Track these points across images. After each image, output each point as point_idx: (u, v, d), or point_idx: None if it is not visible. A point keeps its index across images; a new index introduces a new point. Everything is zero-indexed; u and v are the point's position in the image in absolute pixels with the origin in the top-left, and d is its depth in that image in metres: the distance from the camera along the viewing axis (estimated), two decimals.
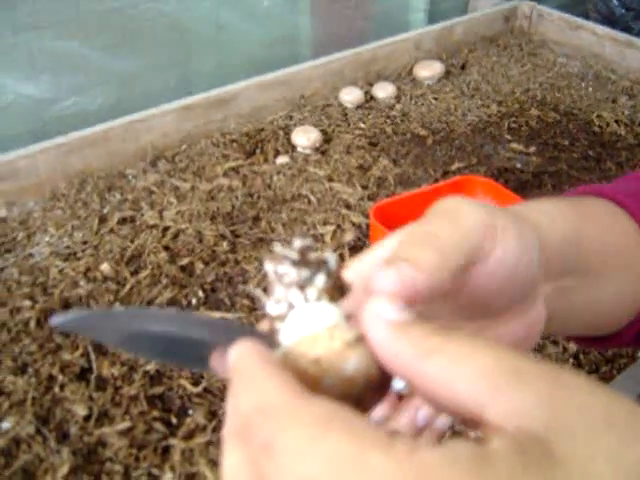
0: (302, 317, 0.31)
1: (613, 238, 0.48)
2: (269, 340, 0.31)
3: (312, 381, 0.28)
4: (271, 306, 0.31)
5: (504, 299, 0.38)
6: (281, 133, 1.26)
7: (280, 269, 0.31)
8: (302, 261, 0.31)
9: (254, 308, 0.91)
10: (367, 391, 0.29)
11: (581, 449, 0.23)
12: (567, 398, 0.24)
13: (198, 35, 1.34)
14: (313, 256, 0.31)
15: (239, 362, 0.29)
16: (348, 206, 1.09)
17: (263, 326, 0.34)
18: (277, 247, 0.32)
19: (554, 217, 0.42)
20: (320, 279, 0.31)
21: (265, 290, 0.32)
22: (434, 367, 0.27)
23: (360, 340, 0.29)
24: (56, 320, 0.29)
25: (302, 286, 0.31)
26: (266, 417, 0.26)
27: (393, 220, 0.96)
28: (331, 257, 0.32)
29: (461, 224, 0.35)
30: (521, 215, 0.40)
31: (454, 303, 0.33)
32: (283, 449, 0.25)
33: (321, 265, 0.31)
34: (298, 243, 0.31)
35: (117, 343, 0.30)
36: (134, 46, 1.27)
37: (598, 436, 0.23)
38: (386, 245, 0.37)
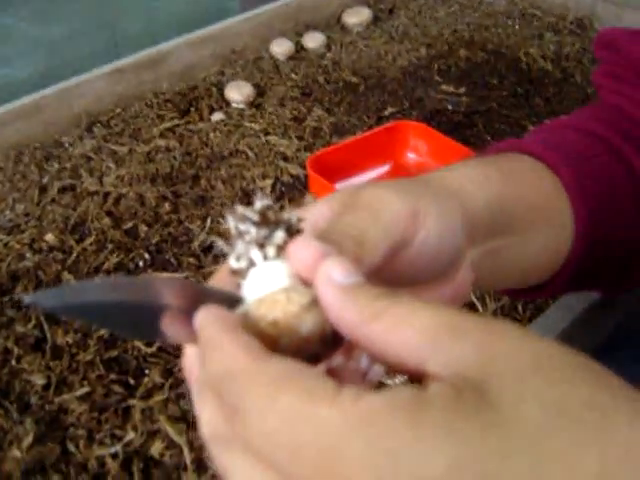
0: (262, 276, 0.33)
1: (535, 195, 0.50)
2: (224, 296, 0.33)
3: (271, 341, 0.31)
4: (232, 261, 0.34)
5: (430, 272, 0.41)
6: (214, 90, 1.26)
7: (241, 226, 0.33)
8: (262, 220, 0.33)
9: (200, 266, 0.93)
10: (322, 347, 0.32)
11: (512, 391, 0.25)
12: (498, 346, 0.27)
13: None
14: (273, 215, 0.33)
15: (205, 329, 0.31)
16: (285, 158, 1.11)
17: (216, 281, 0.37)
18: (239, 207, 0.34)
19: (478, 182, 0.45)
20: (279, 237, 0.33)
21: (228, 243, 0.34)
22: (379, 330, 0.29)
23: (315, 302, 0.32)
24: (27, 299, 0.30)
25: (262, 244, 0.33)
26: (231, 381, 0.28)
27: (330, 169, 0.98)
28: (293, 216, 0.34)
29: (381, 219, 0.38)
30: (445, 185, 0.43)
31: (379, 279, 0.36)
32: (247, 409, 0.27)
33: (280, 224, 0.33)
34: (259, 204, 0.33)
35: (78, 316, 0.32)
36: (60, 12, 1.26)
37: (527, 378, 0.26)
38: (318, 212, 0.39)
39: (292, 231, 0.34)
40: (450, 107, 1.25)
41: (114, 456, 0.72)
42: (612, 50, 0.65)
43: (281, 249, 0.34)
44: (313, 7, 1.46)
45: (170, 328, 0.33)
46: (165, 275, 0.91)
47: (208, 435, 0.31)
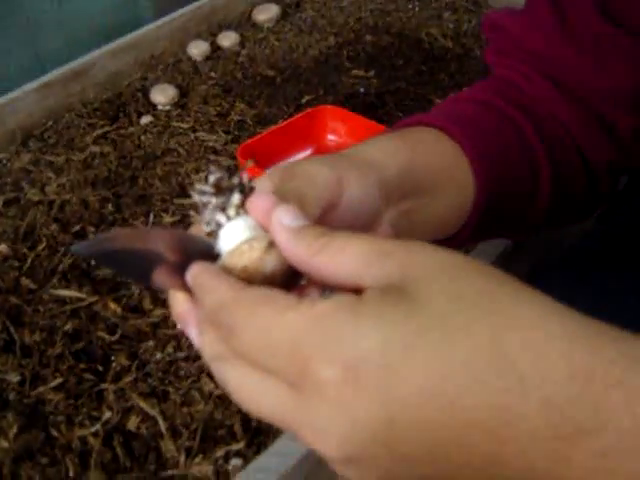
0: (229, 233, 0.41)
1: (439, 160, 0.59)
2: (207, 247, 0.42)
3: (245, 281, 0.39)
4: (204, 226, 0.42)
5: (356, 228, 0.50)
6: (139, 95, 1.33)
7: (203, 199, 0.42)
8: (218, 190, 0.42)
9: None
10: (286, 280, 0.41)
11: (424, 288, 0.35)
12: (415, 259, 0.36)
13: (41, 13, 1.38)
14: (226, 183, 0.42)
15: (197, 278, 0.40)
16: (215, 152, 1.19)
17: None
18: (197, 184, 0.42)
19: (390, 153, 0.54)
20: (236, 198, 0.41)
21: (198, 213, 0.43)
22: (323, 260, 0.38)
23: (272, 245, 0.40)
24: (72, 248, 0.41)
25: (223, 208, 0.42)
26: (223, 309, 0.38)
27: (258, 157, 1.06)
28: (244, 177, 0.42)
29: (316, 184, 0.47)
30: (362, 158, 0.52)
31: None
32: (237, 327, 0.37)
33: (234, 188, 0.42)
34: (212, 177, 0.42)
35: (103, 262, 0.41)
36: None
37: (435, 278, 0.35)
38: (262, 184, 0.48)
39: (246, 191, 0.42)
40: (362, 90, 1.35)
41: (95, 435, 0.80)
42: (497, 31, 0.75)
43: (241, 207, 0.42)
44: (224, 7, 1.54)
45: (162, 278, 0.41)
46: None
47: (209, 357, 0.39)
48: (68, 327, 0.91)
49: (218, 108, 1.29)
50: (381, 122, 1.18)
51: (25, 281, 0.98)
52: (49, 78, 1.28)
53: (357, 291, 0.37)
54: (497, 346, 0.33)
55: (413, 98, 1.33)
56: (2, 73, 1.33)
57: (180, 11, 1.47)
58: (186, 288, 0.42)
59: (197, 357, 0.86)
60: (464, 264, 0.36)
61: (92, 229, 1.05)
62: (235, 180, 0.42)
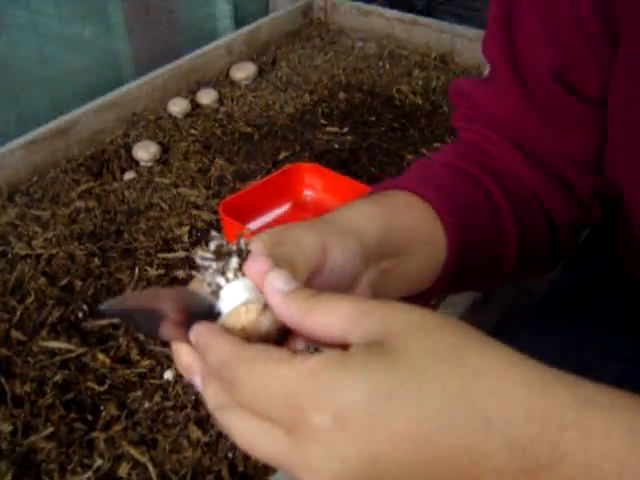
0: (228, 295, 0.46)
1: (414, 223, 0.65)
2: (208, 306, 0.47)
3: (244, 339, 0.44)
4: (206, 287, 0.47)
5: (338, 289, 0.55)
6: (122, 151, 1.38)
7: (205, 263, 0.46)
8: (218, 255, 0.46)
9: None
10: (279, 336, 0.46)
11: (402, 344, 0.40)
12: (393, 318, 0.41)
13: (26, 73, 1.44)
14: (225, 249, 0.46)
15: (201, 337, 0.45)
16: (197, 207, 1.24)
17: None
18: (199, 250, 0.47)
19: (369, 218, 0.59)
20: (234, 262, 0.46)
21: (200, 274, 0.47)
22: (312, 320, 0.43)
23: (266, 306, 0.45)
24: (101, 307, 0.45)
25: (222, 272, 0.46)
26: (225, 365, 0.42)
27: (240, 212, 1.11)
28: (241, 243, 0.47)
29: (303, 252, 0.51)
30: (344, 223, 0.57)
31: None
32: (240, 381, 0.41)
33: (232, 253, 0.46)
34: (212, 244, 0.47)
35: (122, 319, 0.46)
36: None
37: (412, 335, 0.40)
38: (255, 246, 0.53)
39: (243, 255, 0.47)
40: (336, 146, 1.41)
41: None
42: (464, 97, 0.80)
43: (239, 270, 0.47)
44: (203, 66, 1.60)
45: (167, 332, 0.46)
46: (104, 322, 1.02)
47: (213, 406, 0.44)
48: (58, 378, 0.95)
49: (199, 164, 1.34)
50: (355, 177, 1.24)
51: (15, 333, 1.01)
52: (34, 135, 1.33)
53: (344, 347, 0.42)
54: (466, 394, 0.38)
55: (385, 154, 1.39)
56: None
57: (160, 70, 1.53)
58: (189, 340, 0.46)
59: (184, 406, 0.90)
60: (436, 321, 0.42)
61: (79, 282, 1.09)
62: (233, 247, 0.47)
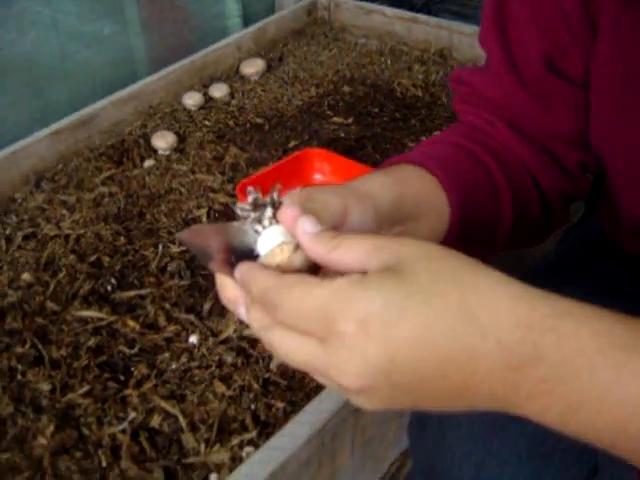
0: (265, 239, 0.54)
1: (422, 193, 0.73)
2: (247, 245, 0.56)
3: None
4: (245, 233, 0.56)
5: None
6: (141, 141, 1.47)
7: (244, 213, 0.55)
8: (255, 206, 0.55)
9: (160, 283, 1.12)
10: (310, 271, 0.54)
11: (412, 266, 0.48)
12: (404, 249, 0.50)
13: (48, 68, 1.52)
14: (260, 201, 0.55)
15: (245, 272, 0.54)
16: (213, 190, 1.32)
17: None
18: (239, 203, 0.56)
19: (384, 187, 0.68)
20: (268, 212, 0.55)
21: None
22: (337, 255, 0.51)
23: (298, 247, 0.54)
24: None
25: (259, 220, 0.55)
26: (269, 292, 0.51)
27: None
28: (274, 195, 0.56)
29: (328, 209, 0.59)
30: (362, 190, 0.66)
31: None
32: (279, 303, 0.50)
33: (267, 204, 0.55)
34: (250, 197, 0.55)
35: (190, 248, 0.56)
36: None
37: (420, 260, 0.49)
38: (292, 195, 0.61)
39: (276, 205, 0.56)
40: (342, 135, 1.49)
41: (123, 432, 0.91)
42: (463, 84, 0.89)
43: (273, 218, 0.55)
44: (214, 62, 1.69)
45: (216, 266, 0.55)
46: (132, 293, 1.10)
47: (257, 327, 0.53)
48: (91, 343, 1.03)
49: (213, 152, 1.43)
50: (361, 163, 1.32)
51: (49, 304, 1.10)
52: (59, 126, 1.41)
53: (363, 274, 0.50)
54: (463, 305, 0.47)
55: (388, 142, 1.47)
56: (15, 122, 1.46)
57: (175, 65, 1.62)
58: (232, 276, 0.55)
59: (209, 365, 0.99)
60: (439, 251, 0.50)
61: (107, 259, 1.17)
62: (268, 199, 0.56)
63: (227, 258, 0.56)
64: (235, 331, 1.03)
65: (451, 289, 0.47)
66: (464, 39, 1.78)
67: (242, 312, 0.56)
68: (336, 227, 0.60)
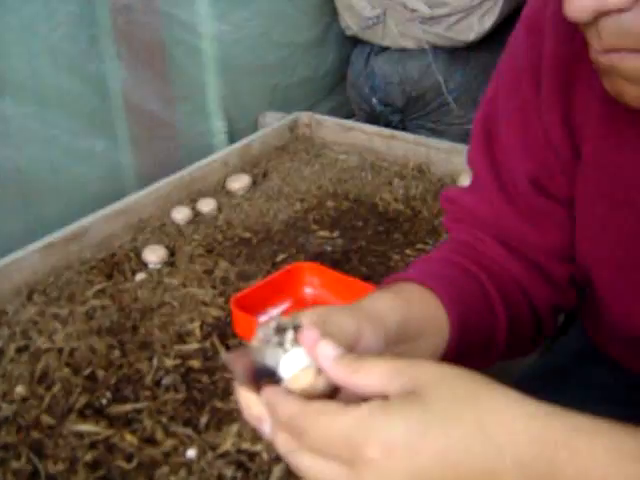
0: (287, 362, 0.58)
1: (425, 313, 0.77)
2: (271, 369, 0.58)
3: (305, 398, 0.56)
4: (267, 356, 0.58)
5: None
6: (132, 254, 1.49)
7: (266, 337, 0.59)
8: (278, 331, 0.58)
9: (155, 397, 1.13)
10: (330, 393, 0.57)
11: (430, 393, 0.52)
12: (422, 374, 0.54)
13: (41, 183, 1.56)
14: (283, 326, 0.58)
15: (270, 397, 0.57)
16: (205, 304, 1.35)
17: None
18: (261, 329, 0.59)
19: (391, 309, 0.72)
20: (290, 335, 0.58)
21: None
22: (358, 379, 0.55)
23: (319, 371, 0.57)
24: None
25: (281, 343, 0.58)
26: (295, 418, 0.54)
27: (251, 307, 1.22)
28: (295, 320, 0.59)
29: (342, 332, 0.63)
30: (373, 312, 0.69)
31: None
32: (307, 430, 0.53)
33: (287, 328, 0.58)
34: (273, 323, 0.59)
35: None
36: None
37: (437, 386, 0.52)
38: (309, 317, 0.64)
39: (297, 329, 0.59)
40: (329, 248, 1.53)
41: None
42: (453, 203, 0.94)
43: (294, 341, 0.58)
44: (201, 178, 1.74)
45: (241, 385, 0.59)
46: (127, 407, 1.11)
47: (284, 452, 0.56)
48: (88, 457, 1.03)
49: (204, 266, 1.46)
50: (348, 276, 1.36)
51: (45, 418, 1.10)
52: (51, 239, 1.44)
53: (383, 398, 0.54)
54: (480, 426, 0.50)
55: (373, 255, 1.51)
56: (7, 234, 1.48)
57: (163, 181, 1.66)
58: (257, 394, 0.58)
59: (207, 479, 0.99)
60: (455, 373, 0.54)
61: (102, 372, 1.18)
62: (289, 323, 0.60)
63: (252, 377, 0.59)
64: (233, 444, 1.03)
65: (468, 411, 0.51)
66: (441, 155, 1.85)
67: (266, 429, 0.59)
68: (350, 348, 0.63)
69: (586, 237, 0.84)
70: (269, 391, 0.57)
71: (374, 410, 0.51)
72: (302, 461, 0.54)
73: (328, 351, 0.57)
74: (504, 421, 0.50)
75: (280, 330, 0.59)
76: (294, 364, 0.57)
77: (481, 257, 0.87)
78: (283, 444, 0.56)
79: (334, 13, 2.30)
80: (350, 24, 2.28)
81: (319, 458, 0.53)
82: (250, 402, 0.60)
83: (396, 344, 0.71)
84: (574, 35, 0.73)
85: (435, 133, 2.20)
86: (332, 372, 0.56)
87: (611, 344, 0.95)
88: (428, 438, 0.50)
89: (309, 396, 0.56)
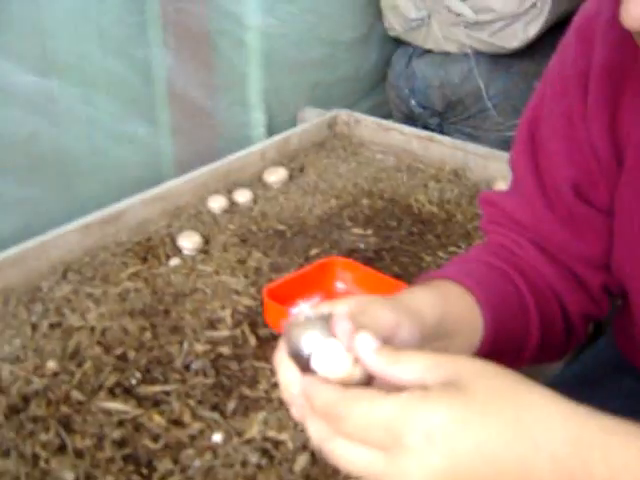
0: (322, 352, 0.58)
1: (461, 310, 0.78)
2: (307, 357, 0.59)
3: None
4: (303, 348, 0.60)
5: None
6: (167, 240, 1.51)
7: (302, 327, 0.60)
8: (314, 318, 0.59)
9: (184, 380, 1.14)
10: (366, 383, 0.58)
11: (470, 387, 0.52)
12: (461, 368, 0.54)
13: (81, 163, 1.58)
14: (317, 314, 0.60)
15: (308, 387, 0.57)
16: (237, 293, 1.36)
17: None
18: (294, 318, 0.60)
19: (430, 305, 0.73)
20: (324, 324, 0.59)
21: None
22: (396, 370, 0.56)
23: (356, 361, 0.58)
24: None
25: (316, 331, 0.59)
26: (332, 406, 0.55)
27: (282, 298, 1.23)
28: (326, 310, 0.60)
29: (378, 322, 0.64)
30: (411, 306, 0.70)
31: None
32: (346, 416, 0.54)
33: (323, 319, 0.59)
34: (308, 313, 0.60)
35: None
36: (32, 178, 1.49)
37: (475, 379, 0.53)
38: (348, 305, 0.65)
39: (330, 318, 0.60)
40: (362, 246, 1.54)
41: None
42: (491, 205, 0.94)
43: (328, 331, 0.59)
44: (239, 169, 1.75)
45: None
46: (157, 388, 1.12)
47: (318, 440, 0.57)
48: (115, 435, 1.04)
49: (237, 255, 1.47)
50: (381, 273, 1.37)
51: (75, 394, 1.11)
52: (88, 220, 1.46)
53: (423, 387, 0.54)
54: (519, 422, 0.51)
55: (406, 255, 1.52)
56: (48, 212, 1.51)
57: (201, 170, 1.68)
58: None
59: (232, 464, 1.00)
60: (494, 369, 0.55)
61: (133, 353, 1.19)
62: (325, 312, 0.60)
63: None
64: (259, 432, 1.04)
65: (507, 407, 0.52)
66: (478, 160, 1.85)
67: (294, 411, 0.60)
68: (387, 340, 0.64)
69: (624, 247, 0.84)
70: (306, 380, 0.58)
71: (415, 398, 0.52)
72: (338, 447, 0.55)
73: (367, 342, 0.57)
74: (542, 418, 0.51)
75: (315, 319, 0.60)
76: (330, 353, 0.58)
77: (517, 260, 0.88)
78: (317, 431, 0.57)
79: (378, 13, 2.31)
80: (394, 25, 2.28)
81: (356, 444, 0.54)
82: (289, 381, 0.61)
83: (432, 340, 0.71)
84: (625, 44, 0.73)
85: (473, 138, 2.20)
86: (371, 362, 0.57)
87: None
88: (468, 429, 0.50)
89: (346, 386, 0.57)
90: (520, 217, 0.90)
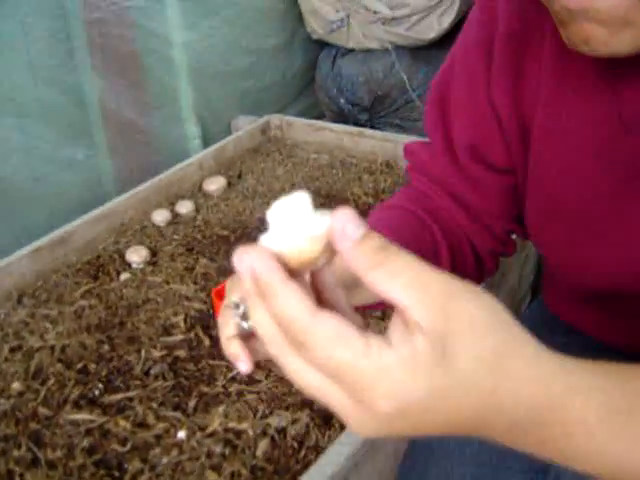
0: (286, 229, 0.47)
1: None
2: None
3: (296, 269, 0.46)
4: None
5: None
6: (116, 256, 1.56)
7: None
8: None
9: (145, 385, 1.20)
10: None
11: (456, 348, 0.45)
12: (456, 318, 0.45)
13: (23, 191, 1.63)
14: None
15: (261, 275, 0.46)
16: (188, 299, 1.42)
17: None
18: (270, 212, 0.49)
19: None
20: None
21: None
22: (379, 277, 0.44)
23: (327, 246, 0.45)
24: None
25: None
26: (294, 326, 0.45)
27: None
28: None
29: None
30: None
31: None
32: (312, 349, 0.45)
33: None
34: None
35: None
36: None
37: (464, 339, 0.46)
38: None
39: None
40: None
41: None
42: (411, 155, 1.00)
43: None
44: (178, 181, 1.81)
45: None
46: (118, 396, 1.18)
47: (268, 341, 0.47)
48: (85, 443, 1.10)
49: (184, 264, 1.53)
50: None
51: (41, 410, 1.17)
52: (38, 244, 1.51)
53: (399, 310, 0.46)
54: (493, 394, 0.48)
55: None
56: None
57: (142, 186, 1.73)
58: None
59: (198, 457, 1.06)
60: (486, 318, 0.47)
61: (93, 365, 1.25)
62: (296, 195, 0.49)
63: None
64: (220, 424, 1.11)
65: (487, 379, 0.48)
66: None
67: (241, 367, 0.56)
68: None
69: (535, 203, 0.91)
70: (257, 258, 0.47)
71: (399, 363, 0.45)
72: (293, 366, 0.47)
73: (349, 228, 0.44)
74: (514, 387, 0.48)
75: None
76: (298, 231, 0.46)
77: (433, 207, 0.95)
78: (271, 336, 0.47)
79: (300, 18, 2.38)
80: (316, 28, 2.36)
81: (315, 371, 0.46)
82: (231, 343, 0.57)
83: (351, 291, 0.67)
84: (526, 11, 0.81)
85: (402, 129, 2.28)
86: (349, 257, 0.44)
87: (561, 302, 1.04)
88: (448, 403, 0.47)
89: (301, 268, 0.46)
90: (430, 169, 0.97)
